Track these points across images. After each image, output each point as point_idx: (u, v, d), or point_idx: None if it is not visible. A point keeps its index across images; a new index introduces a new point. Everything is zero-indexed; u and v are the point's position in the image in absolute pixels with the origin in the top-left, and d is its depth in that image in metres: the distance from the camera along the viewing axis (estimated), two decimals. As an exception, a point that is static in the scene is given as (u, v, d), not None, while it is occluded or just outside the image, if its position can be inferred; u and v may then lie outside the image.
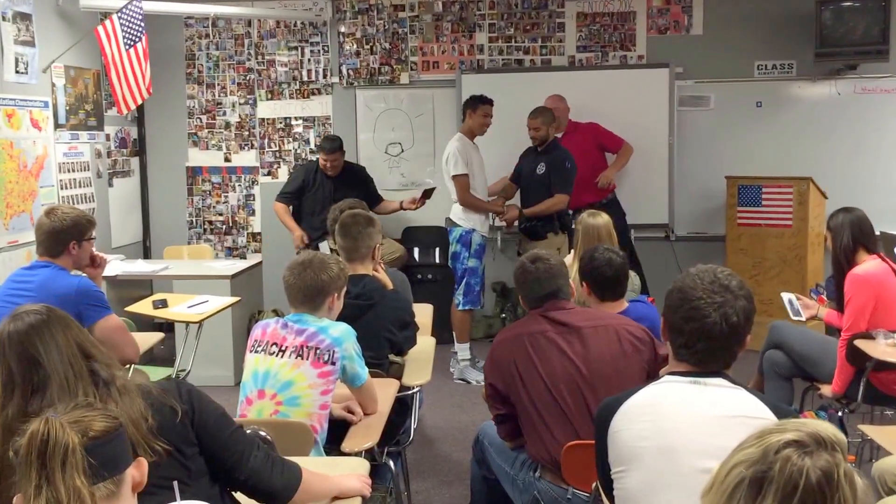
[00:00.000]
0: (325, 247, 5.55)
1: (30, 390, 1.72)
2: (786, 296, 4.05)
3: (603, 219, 3.72)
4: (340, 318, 2.76)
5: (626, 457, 1.81)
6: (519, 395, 2.58)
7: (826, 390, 3.60)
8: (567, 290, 2.75)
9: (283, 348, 2.59)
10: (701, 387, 1.83)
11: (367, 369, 2.69)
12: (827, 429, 1.14)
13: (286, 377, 2.56)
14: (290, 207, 5.80)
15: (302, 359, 2.57)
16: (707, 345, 1.84)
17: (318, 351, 2.57)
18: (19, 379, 1.72)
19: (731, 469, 1.14)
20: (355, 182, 5.77)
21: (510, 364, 2.60)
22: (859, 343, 3.40)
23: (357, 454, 2.52)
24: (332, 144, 5.68)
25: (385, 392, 2.85)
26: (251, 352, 2.67)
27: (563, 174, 5.29)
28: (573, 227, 4.12)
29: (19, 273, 3.30)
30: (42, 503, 1.23)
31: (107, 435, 1.32)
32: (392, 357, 3.19)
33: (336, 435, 2.62)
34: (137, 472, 1.38)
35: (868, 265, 3.54)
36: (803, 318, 3.99)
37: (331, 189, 5.66)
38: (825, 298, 4.14)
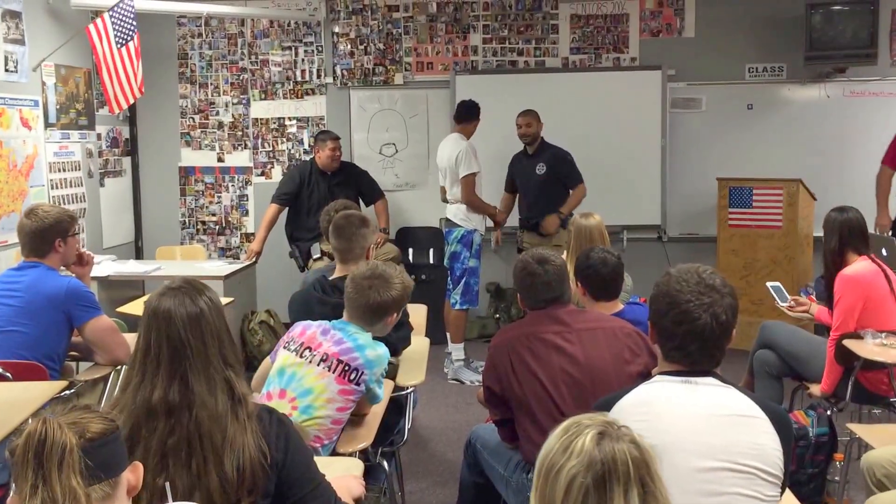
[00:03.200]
0: (316, 249, 5.56)
1: (175, 376, 1.76)
2: (771, 284, 4.09)
3: (595, 220, 3.74)
4: (334, 319, 2.76)
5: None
6: (515, 396, 2.58)
7: (815, 389, 3.63)
8: (570, 293, 2.76)
9: (315, 352, 2.57)
10: (693, 386, 1.85)
11: (383, 391, 2.67)
12: (595, 415, 1.33)
13: (308, 384, 2.53)
14: (285, 209, 5.79)
15: (329, 371, 2.53)
16: (700, 346, 1.86)
17: (347, 368, 2.53)
18: (165, 360, 1.76)
19: (568, 484, 1.25)
20: (350, 180, 5.79)
21: (506, 366, 2.60)
22: (848, 343, 3.43)
23: (351, 454, 2.53)
24: (335, 134, 5.76)
25: (379, 393, 2.85)
26: (284, 347, 2.65)
27: (573, 168, 5.51)
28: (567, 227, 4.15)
29: (7, 274, 3.29)
30: (37, 503, 1.23)
31: (104, 437, 1.32)
32: (386, 358, 3.19)
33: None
34: (133, 475, 1.38)
35: (857, 266, 3.58)
36: (791, 304, 4.03)
37: (326, 188, 5.67)
38: (814, 298, 4.18)
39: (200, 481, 1.69)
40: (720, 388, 1.84)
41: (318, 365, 2.54)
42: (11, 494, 1.27)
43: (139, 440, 1.72)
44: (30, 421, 2.53)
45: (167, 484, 1.59)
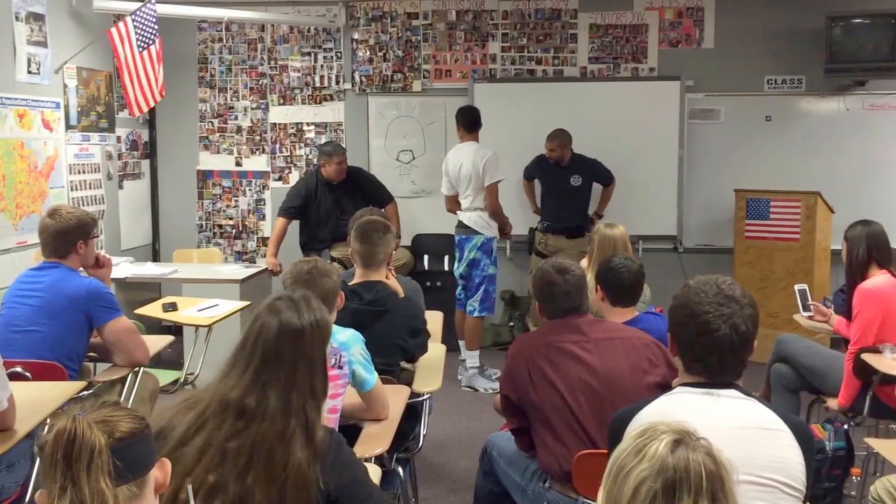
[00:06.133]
0: (325, 256, 5.57)
1: (258, 382, 1.76)
2: (799, 287, 4.05)
3: (619, 230, 3.73)
4: (353, 325, 2.77)
5: (639, 467, 1.82)
6: (532, 405, 2.57)
7: (832, 403, 3.61)
8: (588, 303, 2.76)
9: None
10: (714, 398, 1.84)
11: (375, 374, 2.69)
12: (673, 423, 1.30)
13: None
14: (291, 222, 5.80)
15: None
16: (720, 357, 1.85)
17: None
18: (255, 364, 1.77)
19: (636, 488, 1.22)
20: (357, 187, 5.78)
21: (524, 375, 2.60)
22: (866, 357, 3.41)
23: (367, 460, 2.53)
24: (341, 147, 5.78)
25: (396, 398, 2.85)
26: None
27: (605, 170, 5.92)
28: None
29: (28, 274, 3.30)
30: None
31: (133, 437, 1.30)
32: (403, 364, 3.19)
33: (347, 440, 2.62)
34: (160, 473, 1.37)
35: (877, 280, 3.56)
36: (812, 313, 3.99)
37: (333, 199, 5.68)
38: (831, 312, 4.15)
39: (251, 497, 1.68)
40: (742, 401, 1.83)
41: None
42: (39, 491, 1.27)
43: (204, 429, 1.72)
44: (48, 421, 2.57)
45: (189, 487, 1.59)
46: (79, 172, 5.65)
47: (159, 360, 4.91)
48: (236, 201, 6.78)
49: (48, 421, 2.59)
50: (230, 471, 1.69)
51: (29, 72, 5.05)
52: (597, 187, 5.95)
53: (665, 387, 2.54)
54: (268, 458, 1.71)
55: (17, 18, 4.93)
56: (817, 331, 4.24)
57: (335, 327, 2.66)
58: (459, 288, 5.53)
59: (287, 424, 1.74)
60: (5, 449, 2.42)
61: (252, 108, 6.69)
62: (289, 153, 6.69)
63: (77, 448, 1.23)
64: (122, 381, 3.36)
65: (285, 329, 1.79)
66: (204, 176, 6.78)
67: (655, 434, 1.26)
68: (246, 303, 4.52)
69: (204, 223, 6.82)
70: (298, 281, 2.64)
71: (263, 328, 1.80)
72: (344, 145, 6.44)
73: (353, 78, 6.57)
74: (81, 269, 3.38)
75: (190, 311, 4.14)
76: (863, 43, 5.68)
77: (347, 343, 2.61)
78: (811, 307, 4.04)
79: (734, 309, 1.84)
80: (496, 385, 5.26)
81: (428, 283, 6.12)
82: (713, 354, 1.85)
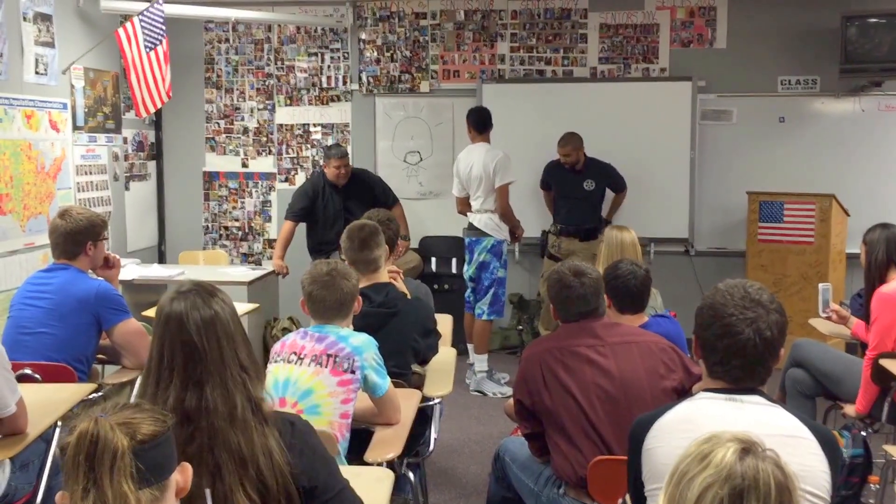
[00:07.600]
0: (334, 258, 5.51)
1: (189, 382, 1.70)
2: (823, 285, 3.99)
3: (630, 234, 3.69)
4: (364, 328, 2.74)
5: (661, 474, 1.76)
6: (546, 410, 2.54)
7: (849, 410, 3.56)
8: (605, 306, 2.72)
9: (302, 356, 2.57)
10: (738, 404, 1.80)
11: (388, 379, 2.66)
12: (737, 432, 1.29)
13: (306, 385, 2.53)
14: (298, 225, 5.75)
15: (321, 367, 2.54)
16: (742, 361, 1.81)
17: (337, 359, 2.54)
18: (179, 366, 1.71)
19: (701, 493, 1.21)
20: (362, 189, 5.72)
21: (538, 379, 2.56)
22: (885, 362, 3.35)
23: (379, 464, 2.49)
24: (343, 149, 5.69)
25: (408, 403, 2.81)
26: (271, 363, 2.64)
27: (618, 176, 5.87)
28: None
29: (38, 276, 3.30)
30: None
31: (155, 439, 1.28)
32: (414, 367, 3.15)
33: (359, 444, 2.59)
34: (181, 477, 1.34)
35: (895, 284, 3.50)
36: (829, 315, 3.93)
37: (340, 200, 5.63)
38: (850, 315, 4.08)
39: (234, 492, 1.64)
40: (767, 407, 1.79)
41: (309, 365, 2.54)
42: (60, 493, 1.24)
43: None
44: (59, 423, 2.54)
45: (208, 491, 1.55)
46: (86, 173, 5.63)
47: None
48: (242, 203, 6.74)
49: (59, 423, 2.58)
50: (203, 474, 1.63)
51: (36, 72, 5.03)
52: (608, 191, 5.91)
53: (682, 392, 2.52)
54: (231, 447, 1.66)
55: (24, 19, 4.90)
56: (833, 335, 4.17)
57: (348, 331, 2.62)
58: (468, 290, 5.49)
59: (234, 404, 1.69)
60: (17, 451, 2.41)
61: (258, 109, 6.66)
62: (295, 154, 6.65)
63: (100, 450, 1.21)
64: (132, 383, 3.33)
65: (200, 323, 1.73)
66: (210, 177, 6.76)
67: (720, 441, 1.25)
68: (254, 305, 4.50)
69: (210, 225, 6.79)
70: (317, 282, 2.61)
71: (177, 332, 1.72)
72: (350, 147, 6.43)
73: (360, 78, 6.54)
74: (90, 270, 3.36)
75: (197, 313, 4.10)
76: (878, 43, 5.60)
77: (361, 348, 2.58)
78: (829, 310, 3.98)
79: (759, 313, 1.80)
80: (505, 389, 5.22)
81: (435, 286, 6.07)
82: (736, 358, 1.81)
